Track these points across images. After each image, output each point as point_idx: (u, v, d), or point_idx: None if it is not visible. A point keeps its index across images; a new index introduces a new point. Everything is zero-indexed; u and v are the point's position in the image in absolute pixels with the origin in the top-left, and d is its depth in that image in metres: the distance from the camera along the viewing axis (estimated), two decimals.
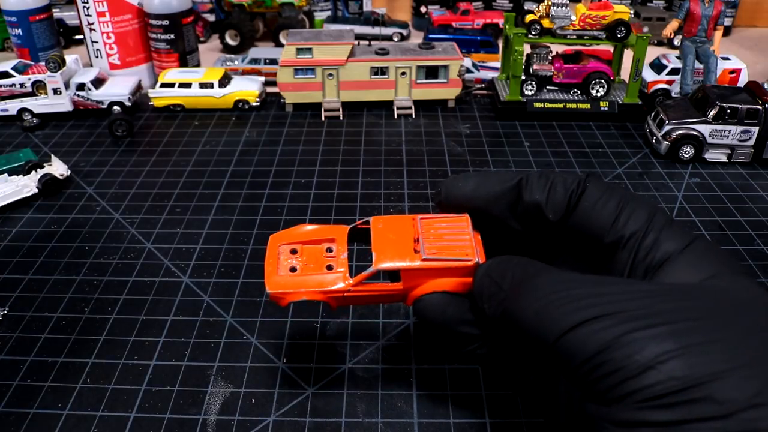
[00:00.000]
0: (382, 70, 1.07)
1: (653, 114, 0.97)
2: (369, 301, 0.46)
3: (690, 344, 0.30)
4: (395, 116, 1.07)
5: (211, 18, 1.51)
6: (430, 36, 1.34)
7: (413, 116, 1.07)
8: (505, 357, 0.43)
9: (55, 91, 1.03)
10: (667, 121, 0.92)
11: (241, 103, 1.08)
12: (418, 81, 1.08)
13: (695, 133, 0.91)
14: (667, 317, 0.31)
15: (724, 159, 0.92)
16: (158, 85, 1.08)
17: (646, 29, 1.09)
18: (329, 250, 0.47)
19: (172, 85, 1.07)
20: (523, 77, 1.06)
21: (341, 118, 1.06)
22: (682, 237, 0.38)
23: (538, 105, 1.05)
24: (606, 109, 1.05)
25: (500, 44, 1.17)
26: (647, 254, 0.38)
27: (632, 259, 0.38)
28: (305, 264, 0.46)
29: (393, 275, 0.44)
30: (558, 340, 0.32)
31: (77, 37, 1.41)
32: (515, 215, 0.43)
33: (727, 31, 1.51)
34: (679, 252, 0.37)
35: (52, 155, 0.88)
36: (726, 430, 0.27)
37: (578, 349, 0.32)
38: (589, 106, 1.05)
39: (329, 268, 0.46)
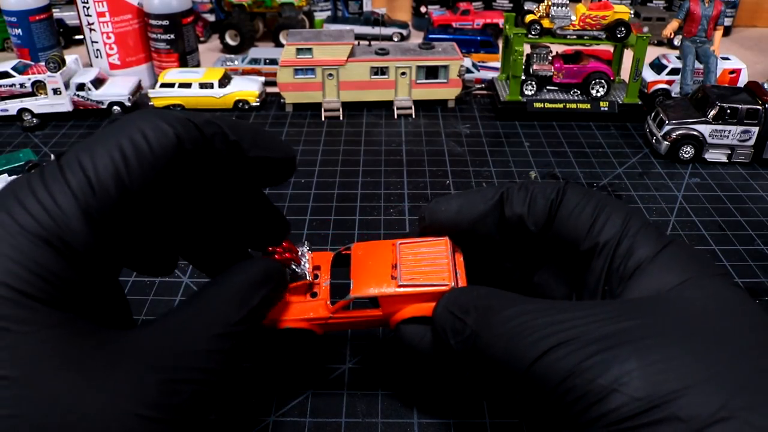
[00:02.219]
0: (382, 70, 1.07)
1: (653, 114, 0.97)
2: (352, 326, 0.46)
3: (651, 362, 0.29)
4: (395, 116, 1.07)
5: (211, 18, 1.51)
6: (430, 36, 1.34)
7: (413, 116, 1.07)
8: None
9: (55, 91, 1.03)
10: (667, 121, 0.92)
11: (241, 103, 1.08)
12: (418, 81, 1.08)
13: (695, 133, 0.91)
14: (629, 336, 0.31)
15: (724, 159, 0.92)
16: (158, 85, 1.08)
17: (646, 29, 1.09)
18: (315, 276, 0.48)
19: (172, 86, 1.07)
20: (523, 77, 1.06)
21: (341, 118, 1.06)
22: (656, 242, 0.37)
23: (538, 105, 1.05)
24: (606, 109, 1.05)
25: (500, 44, 1.17)
26: (620, 263, 0.38)
27: (607, 268, 0.38)
28: (291, 290, 0.47)
29: (373, 301, 0.44)
30: (527, 372, 0.32)
31: (77, 37, 1.41)
32: (500, 231, 0.43)
33: (727, 31, 1.51)
34: (650, 259, 0.37)
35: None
36: None
37: (545, 379, 0.31)
38: (589, 106, 1.05)
39: (313, 295, 0.47)
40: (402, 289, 0.43)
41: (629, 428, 0.28)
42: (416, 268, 0.43)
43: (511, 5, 1.57)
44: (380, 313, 0.44)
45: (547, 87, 1.10)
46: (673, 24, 1.09)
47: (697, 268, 0.36)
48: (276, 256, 0.45)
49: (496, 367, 0.35)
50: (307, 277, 0.46)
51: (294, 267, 0.46)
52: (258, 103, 1.08)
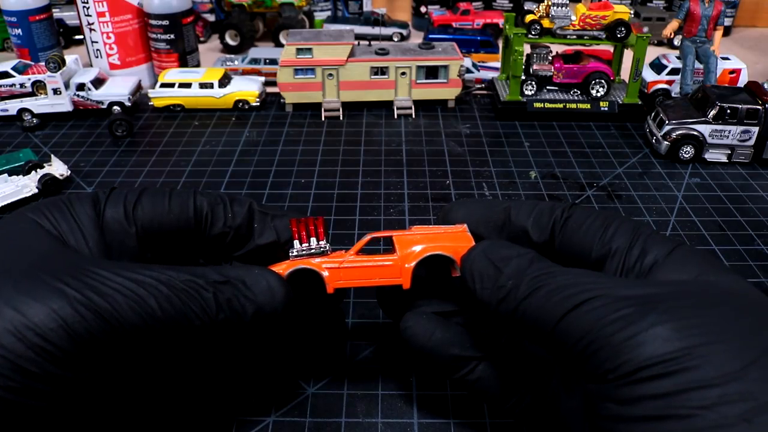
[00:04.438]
0: (382, 70, 1.07)
1: (653, 114, 0.97)
2: (365, 275, 0.45)
3: (681, 317, 0.31)
4: (395, 116, 1.07)
5: (211, 18, 1.51)
6: (430, 36, 1.34)
7: (413, 116, 1.07)
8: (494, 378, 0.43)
9: (55, 91, 1.03)
10: (667, 121, 0.92)
11: (241, 103, 1.08)
12: (418, 81, 1.08)
13: (695, 133, 0.91)
14: (656, 297, 0.32)
15: (724, 159, 0.92)
16: (158, 85, 1.08)
17: (646, 29, 1.08)
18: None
19: (172, 85, 1.07)
20: (523, 77, 1.06)
21: (341, 118, 1.06)
22: (668, 243, 0.39)
23: (538, 105, 1.05)
24: (606, 109, 1.05)
25: (500, 44, 1.17)
26: (635, 261, 0.39)
27: (621, 267, 0.39)
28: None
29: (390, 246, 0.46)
30: (555, 327, 0.34)
31: (77, 37, 1.41)
32: (503, 237, 0.46)
33: (727, 31, 1.51)
34: (666, 257, 0.38)
35: (52, 155, 0.88)
36: (723, 396, 0.27)
37: (572, 331, 0.33)
38: (589, 106, 1.05)
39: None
40: (417, 232, 0.46)
41: (659, 375, 0.29)
42: (431, 227, 0.47)
43: (511, 5, 1.57)
44: (395, 257, 0.45)
45: (547, 87, 1.10)
46: (673, 24, 1.09)
47: (711, 265, 0.37)
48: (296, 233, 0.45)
49: (524, 326, 0.36)
50: (329, 250, 0.46)
51: (318, 243, 0.46)
52: (258, 103, 1.08)
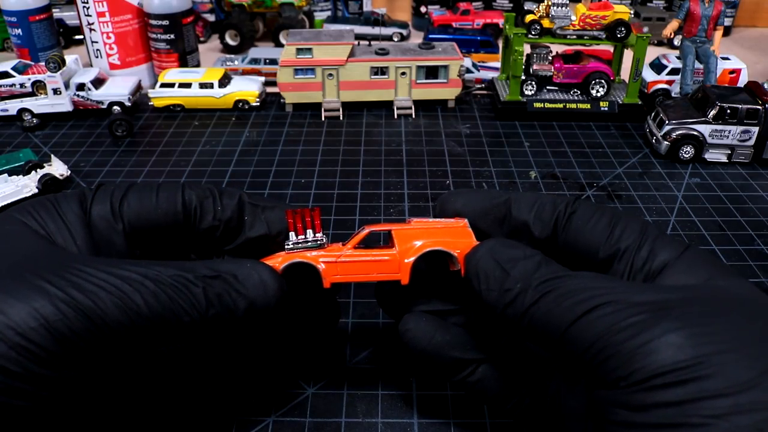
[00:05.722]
0: (382, 70, 1.07)
1: (653, 114, 0.97)
2: (362, 270, 0.44)
3: (694, 324, 0.30)
4: (395, 116, 1.07)
5: (211, 18, 1.51)
6: (430, 36, 1.34)
7: (413, 116, 1.07)
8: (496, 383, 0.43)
9: (55, 91, 1.03)
10: (667, 121, 0.92)
11: (241, 103, 1.08)
12: (418, 81, 1.08)
13: (695, 133, 0.91)
14: (668, 304, 0.32)
15: (724, 159, 0.92)
16: (158, 85, 1.08)
17: (646, 29, 1.09)
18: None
19: (172, 85, 1.07)
20: (523, 77, 1.06)
21: (341, 118, 1.06)
22: (677, 245, 0.39)
23: (538, 105, 1.05)
24: (606, 109, 1.05)
25: (500, 44, 1.17)
26: (644, 263, 0.38)
27: (629, 269, 0.39)
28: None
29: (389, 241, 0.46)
30: (564, 333, 0.33)
31: (77, 37, 1.41)
32: (503, 231, 0.44)
33: (727, 31, 1.51)
34: (676, 258, 0.38)
35: (52, 155, 0.88)
36: (735, 406, 0.27)
37: (583, 337, 0.32)
38: (589, 106, 1.05)
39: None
40: (416, 225, 0.45)
41: (672, 383, 0.29)
42: (430, 221, 0.46)
43: (511, 5, 1.57)
44: (394, 252, 0.43)
45: (547, 87, 1.10)
46: (673, 24, 1.09)
47: (720, 269, 0.37)
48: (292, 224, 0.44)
49: (532, 330, 0.36)
50: (325, 243, 0.44)
51: (314, 235, 0.45)
52: (258, 103, 1.08)
